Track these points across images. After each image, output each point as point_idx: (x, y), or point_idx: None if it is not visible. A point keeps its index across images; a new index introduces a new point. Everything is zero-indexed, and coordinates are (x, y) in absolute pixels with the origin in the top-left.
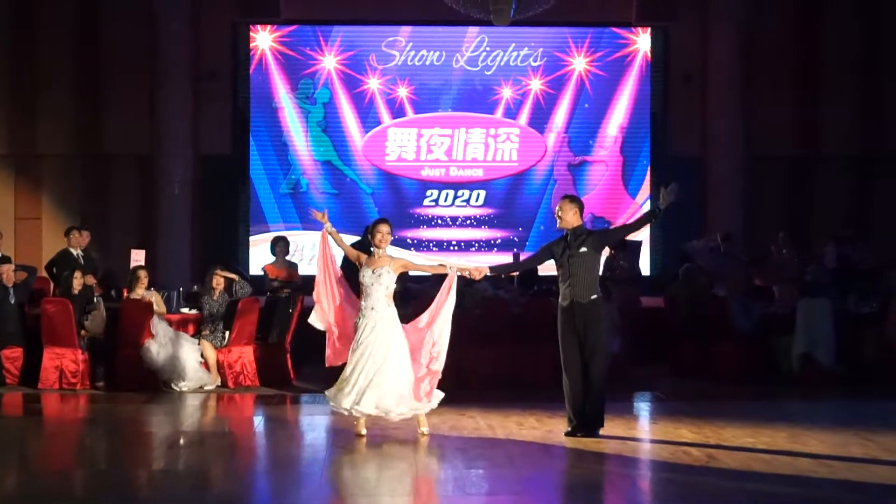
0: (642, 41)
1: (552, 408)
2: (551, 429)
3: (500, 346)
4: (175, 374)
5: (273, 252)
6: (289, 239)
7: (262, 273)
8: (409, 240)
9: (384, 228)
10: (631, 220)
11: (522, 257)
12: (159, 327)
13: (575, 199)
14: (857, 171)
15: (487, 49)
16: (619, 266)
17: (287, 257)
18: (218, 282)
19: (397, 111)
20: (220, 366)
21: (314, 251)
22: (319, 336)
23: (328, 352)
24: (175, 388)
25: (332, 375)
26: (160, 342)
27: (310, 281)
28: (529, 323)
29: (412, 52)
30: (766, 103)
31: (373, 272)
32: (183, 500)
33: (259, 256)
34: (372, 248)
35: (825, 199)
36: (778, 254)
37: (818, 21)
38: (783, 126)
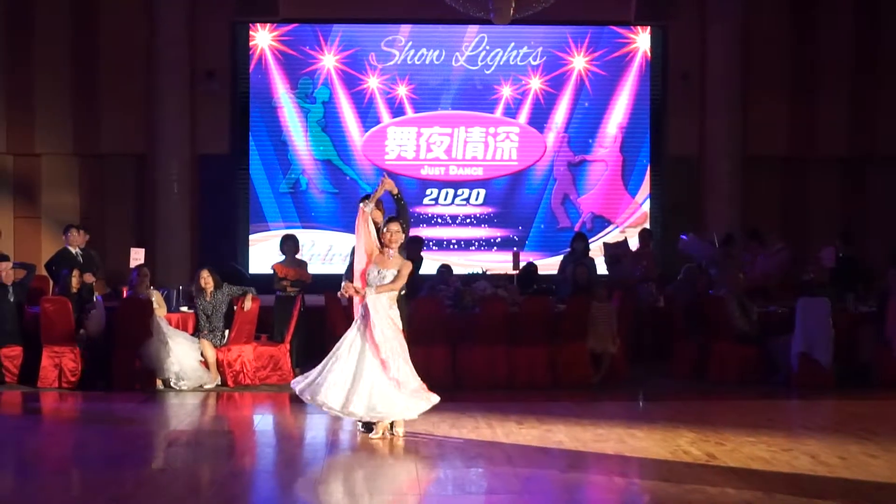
0: (641, 40)
1: (551, 407)
2: (550, 427)
3: (499, 345)
4: (174, 372)
5: (282, 250)
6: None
7: (264, 272)
8: None
9: (393, 227)
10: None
11: (522, 257)
12: (158, 326)
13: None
14: (851, 171)
15: (487, 48)
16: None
17: (297, 255)
18: (207, 282)
19: (397, 110)
20: (219, 364)
21: (313, 250)
22: (320, 334)
23: None
24: (174, 386)
25: None
26: (159, 341)
27: (317, 280)
28: (528, 322)
29: (412, 51)
30: (763, 103)
31: (378, 272)
32: (181, 499)
33: (259, 255)
34: (382, 246)
35: (820, 199)
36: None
37: (814, 22)
38: (779, 126)
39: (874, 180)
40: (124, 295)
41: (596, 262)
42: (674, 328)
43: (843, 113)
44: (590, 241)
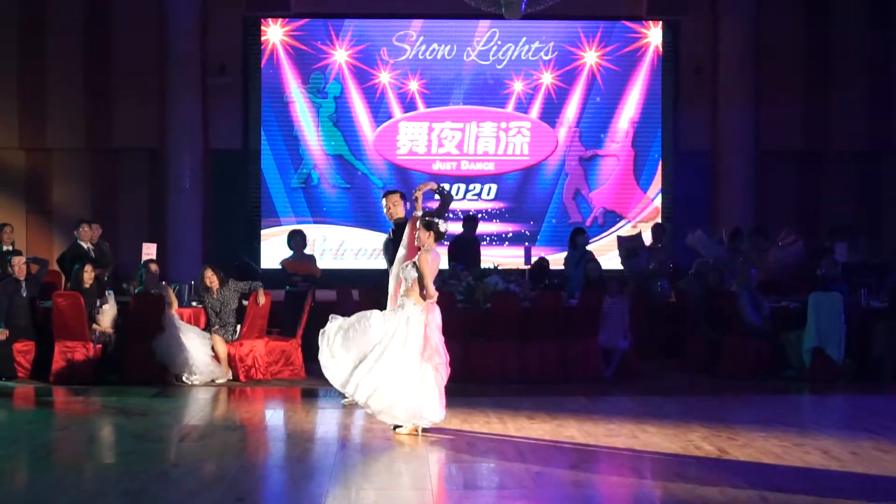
0: (653, 35)
1: (563, 402)
2: (561, 422)
3: (511, 340)
4: (186, 367)
5: (290, 246)
6: (304, 232)
7: (276, 267)
8: None
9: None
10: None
11: (534, 252)
12: (170, 321)
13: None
14: (866, 166)
15: (499, 43)
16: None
17: (305, 250)
18: (212, 281)
19: (408, 105)
20: (231, 359)
21: (325, 245)
22: None
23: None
24: (186, 381)
25: None
26: (171, 336)
27: (329, 275)
28: (540, 317)
29: (423, 46)
30: (776, 97)
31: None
32: (193, 494)
33: (270, 250)
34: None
35: (834, 194)
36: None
37: (828, 15)
38: (792, 120)
39: (889, 175)
40: (133, 290)
41: (598, 256)
42: (686, 323)
43: (859, 107)
44: (602, 235)
